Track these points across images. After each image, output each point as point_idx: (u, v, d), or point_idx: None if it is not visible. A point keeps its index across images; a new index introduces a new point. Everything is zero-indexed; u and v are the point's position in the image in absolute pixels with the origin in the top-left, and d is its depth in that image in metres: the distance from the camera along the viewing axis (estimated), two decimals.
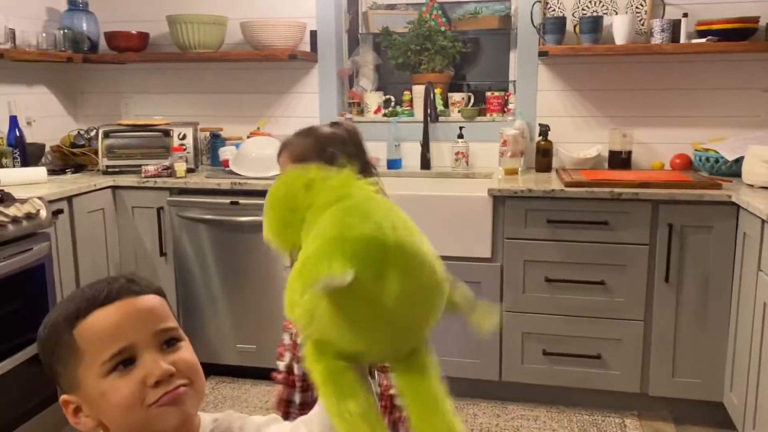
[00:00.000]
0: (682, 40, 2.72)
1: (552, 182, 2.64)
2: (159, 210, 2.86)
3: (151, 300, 0.86)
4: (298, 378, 1.65)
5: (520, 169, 2.88)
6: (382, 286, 0.69)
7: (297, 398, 1.66)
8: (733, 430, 2.34)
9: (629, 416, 2.59)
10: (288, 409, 1.67)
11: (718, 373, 2.47)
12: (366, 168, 1.61)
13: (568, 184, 2.52)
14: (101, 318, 0.82)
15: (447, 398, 0.75)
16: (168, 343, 0.85)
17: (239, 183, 2.77)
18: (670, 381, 2.53)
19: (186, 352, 0.86)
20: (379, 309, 0.70)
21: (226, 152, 3.06)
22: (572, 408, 2.65)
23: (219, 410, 2.99)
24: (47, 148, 3.24)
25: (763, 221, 2.10)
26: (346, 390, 0.71)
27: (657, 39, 2.74)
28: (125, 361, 0.81)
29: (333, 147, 1.54)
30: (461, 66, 3.34)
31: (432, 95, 3.03)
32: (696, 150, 2.83)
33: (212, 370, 2.97)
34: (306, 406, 1.58)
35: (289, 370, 1.68)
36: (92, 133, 3.26)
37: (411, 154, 3.17)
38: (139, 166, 2.94)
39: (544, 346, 2.60)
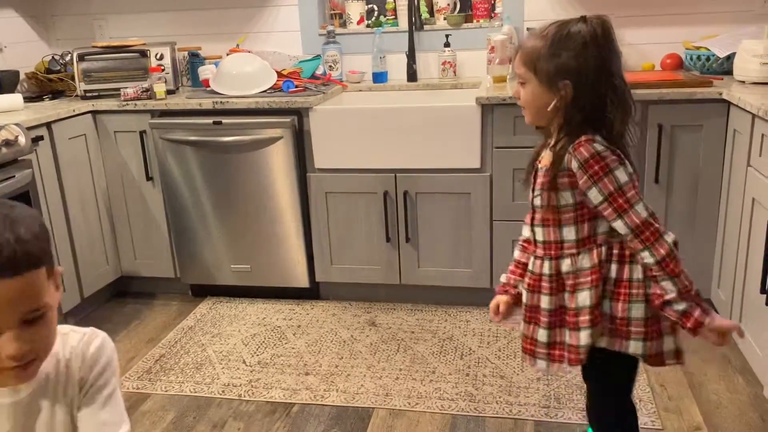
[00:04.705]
0: None
1: None
2: (141, 133, 2.80)
3: (15, 285, 0.86)
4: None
5: (509, 76, 2.81)
6: None
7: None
8: None
9: None
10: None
11: (706, 271, 2.51)
12: (608, 80, 1.32)
13: None
14: None
15: None
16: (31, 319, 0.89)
17: (221, 102, 2.71)
18: None
19: (43, 327, 0.90)
20: None
21: (205, 71, 2.97)
22: None
23: (217, 329, 2.96)
24: (22, 76, 3.15)
25: (753, 116, 2.08)
26: None
27: None
28: None
29: (567, 52, 1.32)
30: None
31: (416, 2, 2.92)
32: (687, 49, 2.76)
33: (208, 290, 3.00)
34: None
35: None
36: (67, 58, 3.16)
37: (397, 67, 3.08)
38: (118, 89, 2.86)
39: None
